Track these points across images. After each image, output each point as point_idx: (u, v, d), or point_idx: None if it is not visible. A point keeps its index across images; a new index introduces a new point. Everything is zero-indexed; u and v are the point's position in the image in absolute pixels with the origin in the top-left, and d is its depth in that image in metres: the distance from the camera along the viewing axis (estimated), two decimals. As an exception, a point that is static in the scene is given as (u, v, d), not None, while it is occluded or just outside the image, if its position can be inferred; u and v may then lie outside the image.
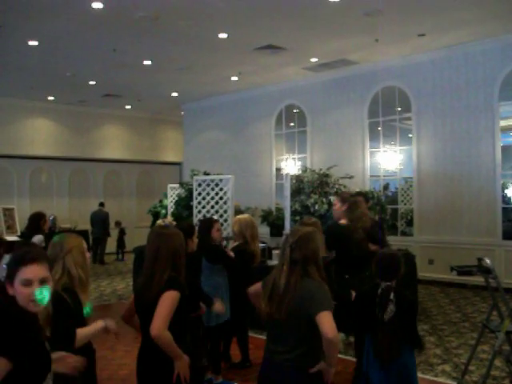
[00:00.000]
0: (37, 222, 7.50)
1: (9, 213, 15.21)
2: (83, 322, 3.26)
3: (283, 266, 3.15)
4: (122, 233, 16.80)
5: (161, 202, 14.07)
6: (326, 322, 2.92)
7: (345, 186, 10.00)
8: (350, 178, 10.18)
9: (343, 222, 5.97)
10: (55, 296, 3.10)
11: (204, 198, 9.41)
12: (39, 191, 16.83)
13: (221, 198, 9.28)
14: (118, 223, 16.83)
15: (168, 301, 3.20)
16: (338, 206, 6.29)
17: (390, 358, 3.76)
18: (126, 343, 6.52)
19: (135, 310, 3.49)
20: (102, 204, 16.05)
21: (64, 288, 3.20)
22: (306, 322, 3.00)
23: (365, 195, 7.94)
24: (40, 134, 16.63)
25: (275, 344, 3.15)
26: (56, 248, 3.34)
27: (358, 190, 10.57)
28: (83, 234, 14.89)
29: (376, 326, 3.80)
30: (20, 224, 15.18)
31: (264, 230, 12.40)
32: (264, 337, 6.73)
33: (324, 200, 9.50)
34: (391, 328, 3.76)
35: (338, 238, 5.69)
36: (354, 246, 5.41)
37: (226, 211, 9.23)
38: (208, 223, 5.84)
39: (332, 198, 9.36)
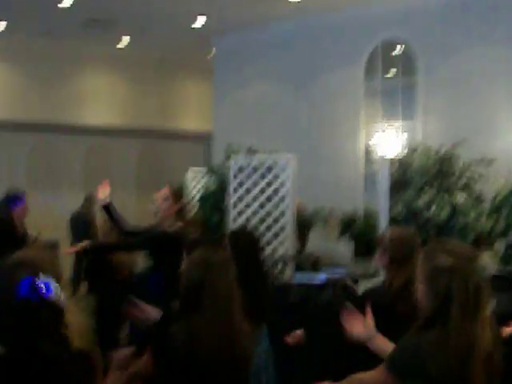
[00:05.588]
0: None
1: None
2: None
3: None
4: None
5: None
6: None
7: (481, 175, 7.36)
8: (489, 162, 7.43)
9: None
10: None
11: (248, 192, 7.01)
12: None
13: (275, 193, 6.91)
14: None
15: None
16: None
17: None
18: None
19: None
20: (86, 200, 11.30)
21: None
22: None
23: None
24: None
25: None
26: None
27: (502, 179, 8.14)
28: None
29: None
30: None
31: (343, 249, 9.02)
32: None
33: (445, 197, 7.09)
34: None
35: None
36: None
37: (282, 213, 6.78)
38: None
39: (460, 196, 7.13)
